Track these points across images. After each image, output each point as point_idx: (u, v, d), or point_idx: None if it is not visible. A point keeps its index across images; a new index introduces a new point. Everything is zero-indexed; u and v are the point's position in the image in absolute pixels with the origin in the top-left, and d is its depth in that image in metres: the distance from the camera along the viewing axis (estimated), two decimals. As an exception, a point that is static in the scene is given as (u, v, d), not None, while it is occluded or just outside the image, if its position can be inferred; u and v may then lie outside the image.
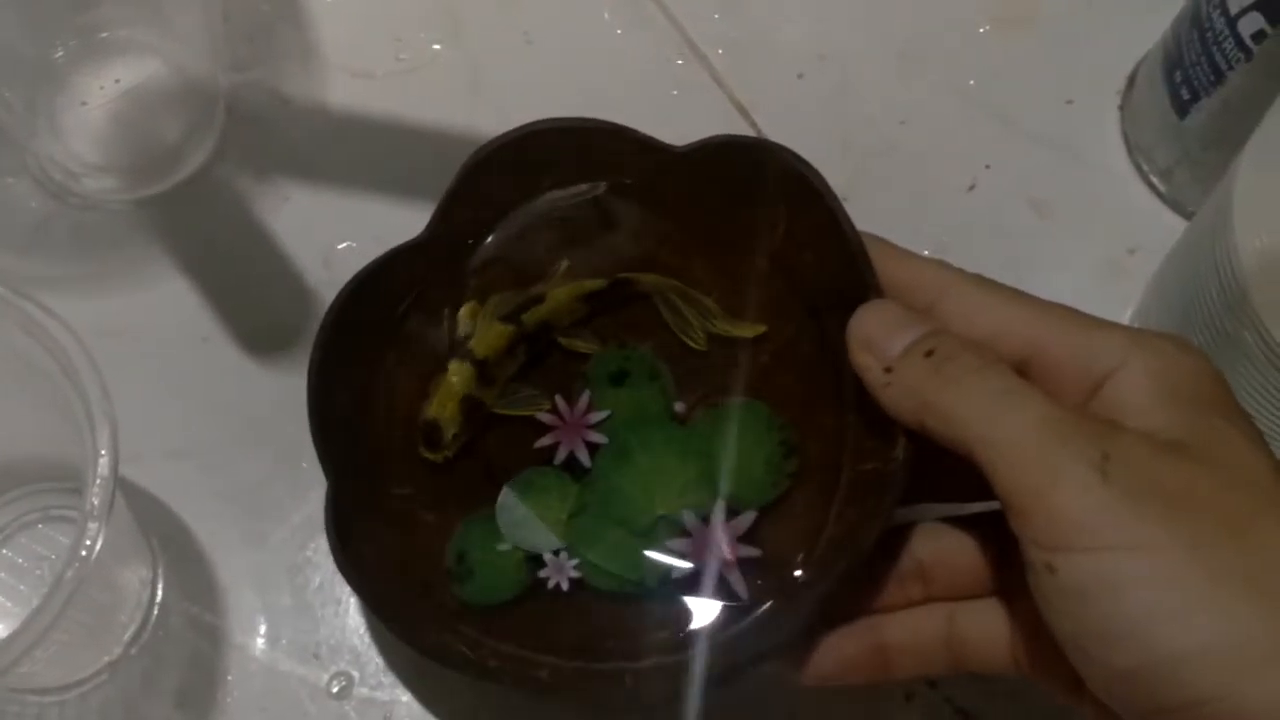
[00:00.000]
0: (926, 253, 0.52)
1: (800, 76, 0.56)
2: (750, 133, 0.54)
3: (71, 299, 0.41)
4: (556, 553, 0.43)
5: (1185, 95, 0.50)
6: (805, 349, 0.44)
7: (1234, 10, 0.46)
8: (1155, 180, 0.54)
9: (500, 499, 0.43)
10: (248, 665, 0.45)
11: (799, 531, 0.42)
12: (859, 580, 0.40)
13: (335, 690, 0.45)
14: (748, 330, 0.45)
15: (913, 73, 0.56)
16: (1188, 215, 0.53)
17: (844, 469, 0.42)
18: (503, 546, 0.43)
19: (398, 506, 0.43)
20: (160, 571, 0.46)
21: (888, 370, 0.37)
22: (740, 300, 0.45)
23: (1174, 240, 0.50)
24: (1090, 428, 0.34)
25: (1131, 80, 0.55)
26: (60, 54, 0.49)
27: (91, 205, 0.52)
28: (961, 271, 0.39)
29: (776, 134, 0.54)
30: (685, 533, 0.42)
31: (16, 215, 0.51)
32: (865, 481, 0.41)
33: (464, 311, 0.45)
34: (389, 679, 0.45)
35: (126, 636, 0.45)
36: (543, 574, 0.43)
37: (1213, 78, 0.48)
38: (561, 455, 0.44)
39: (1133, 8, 0.56)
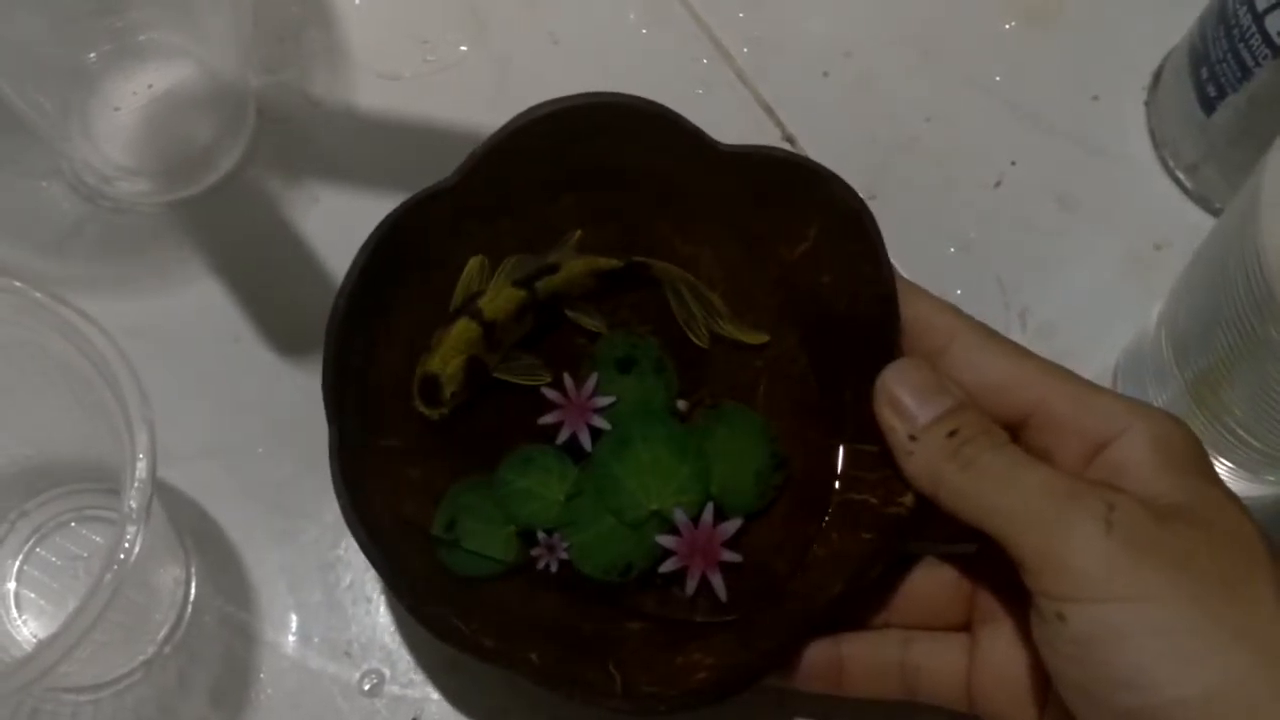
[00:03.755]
0: (952, 250, 0.53)
1: (825, 74, 0.56)
2: (775, 131, 0.54)
3: (104, 300, 0.41)
4: (550, 532, 0.43)
5: (1211, 91, 0.50)
6: (801, 365, 0.44)
7: (1261, 7, 0.46)
8: (1181, 176, 0.54)
9: (501, 471, 0.44)
10: (280, 663, 0.46)
11: (779, 543, 0.43)
12: (842, 605, 0.41)
13: (367, 688, 0.45)
14: (751, 336, 0.45)
15: (937, 69, 0.56)
16: (1214, 211, 0.53)
17: (832, 491, 0.43)
18: (494, 517, 0.43)
19: (392, 461, 0.43)
20: (193, 570, 0.46)
21: (912, 438, 0.39)
22: (743, 302, 0.45)
23: (1201, 236, 0.50)
24: (1094, 489, 0.36)
25: (1157, 76, 0.55)
26: (93, 58, 0.50)
27: (124, 208, 0.52)
28: (970, 320, 0.42)
29: (802, 131, 0.54)
30: (675, 530, 0.43)
31: (50, 218, 0.52)
32: (856, 510, 0.42)
33: (471, 265, 0.44)
34: (420, 677, 0.46)
35: (161, 635, 0.45)
36: (535, 553, 0.43)
37: (1239, 74, 0.48)
38: (563, 436, 0.44)
39: (1159, 3, 0.56)
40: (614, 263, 0.45)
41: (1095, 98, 0.56)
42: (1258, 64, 0.47)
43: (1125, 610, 0.34)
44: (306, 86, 0.54)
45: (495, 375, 0.44)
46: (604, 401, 0.44)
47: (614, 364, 0.45)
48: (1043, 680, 0.39)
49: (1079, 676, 0.35)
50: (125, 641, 0.44)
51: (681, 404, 0.45)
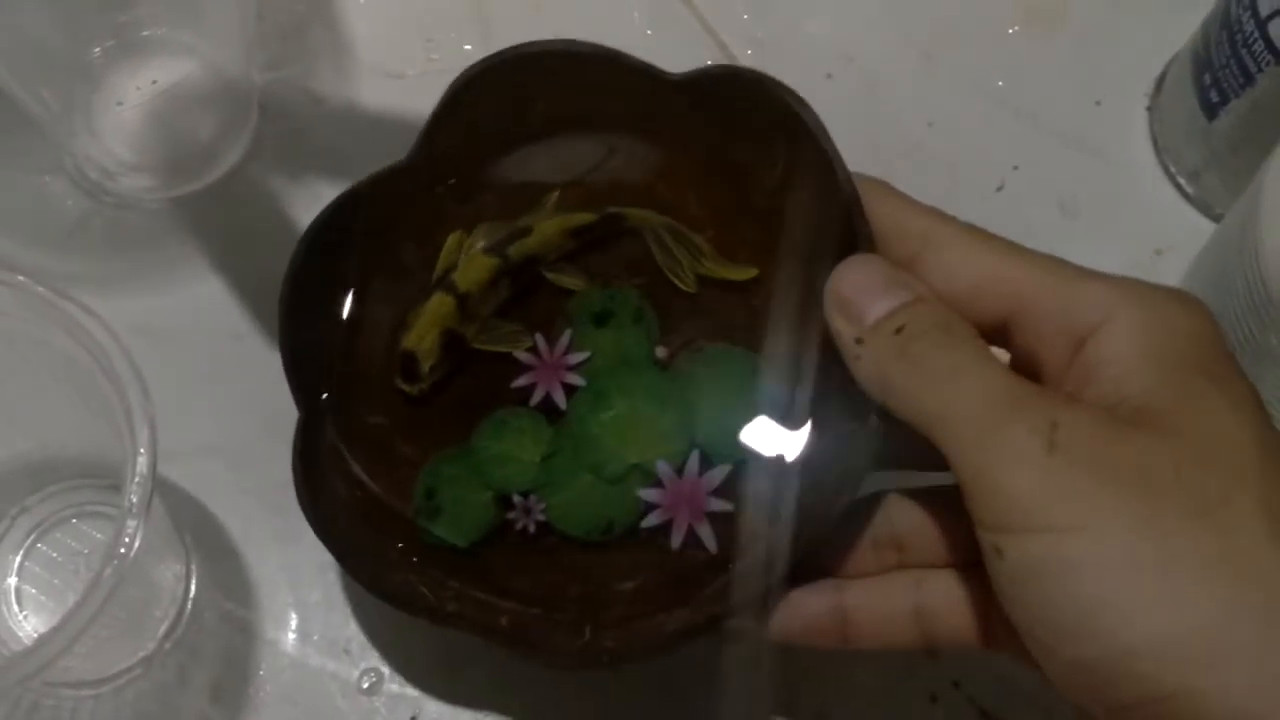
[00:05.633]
0: (955, 252, 0.53)
1: (829, 77, 0.56)
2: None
3: (106, 297, 0.41)
4: (526, 495, 0.42)
5: (1214, 97, 0.50)
6: (799, 295, 0.42)
7: (1265, 13, 0.46)
8: (1183, 182, 0.54)
9: (473, 437, 0.43)
10: (279, 660, 0.46)
11: (774, 487, 0.41)
12: (830, 543, 0.38)
13: (365, 686, 0.45)
14: (739, 273, 0.43)
15: (941, 73, 0.56)
16: (1215, 217, 0.53)
17: (826, 426, 0.40)
18: (472, 484, 0.42)
19: (373, 437, 0.43)
20: (193, 567, 0.46)
21: (859, 341, 0.35)
22: (734, 240, 0.44)
23: (1202, 242, 0.50)
24: (1041, 398, 0.32)
25: (1160, 82, 0.56)
26: (97, 53, 0.50)
27: (127, 204, 0.52)
28: (955, 221, 0.37)
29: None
30: (658, 482, 0.42)
31: (53, 214, 0.52)
32: (844, 441, 0.39)
33: (450, 241, 0.44)
34: (419, 675, 0.46)
35: (161, 631, 0.45)
36: (511, 516, 0.42)
37: (1242, 80, 0.48)
38: (538, 396, 0.43)
39: (1162, 9, 0.56)
40: (587, 217, 0.44)
41: (1098, 103, 0.56)
42: (1260, 70, 0.47)
43: (1066, 542, 0.29)
44: (310, 84, 0.54)
45: (474, 346, 0.43)
46: (578, 358, 0.43)
47: (590, 319, 0.44)
48: None
49: (1024, 619, 0.31)
50: (125, 637, 0.44)
51: (661, 351, 0.43)
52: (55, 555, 0.47)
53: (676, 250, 0.44)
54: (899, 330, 0.34)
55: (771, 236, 0.43)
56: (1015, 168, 0.54)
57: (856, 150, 0.54)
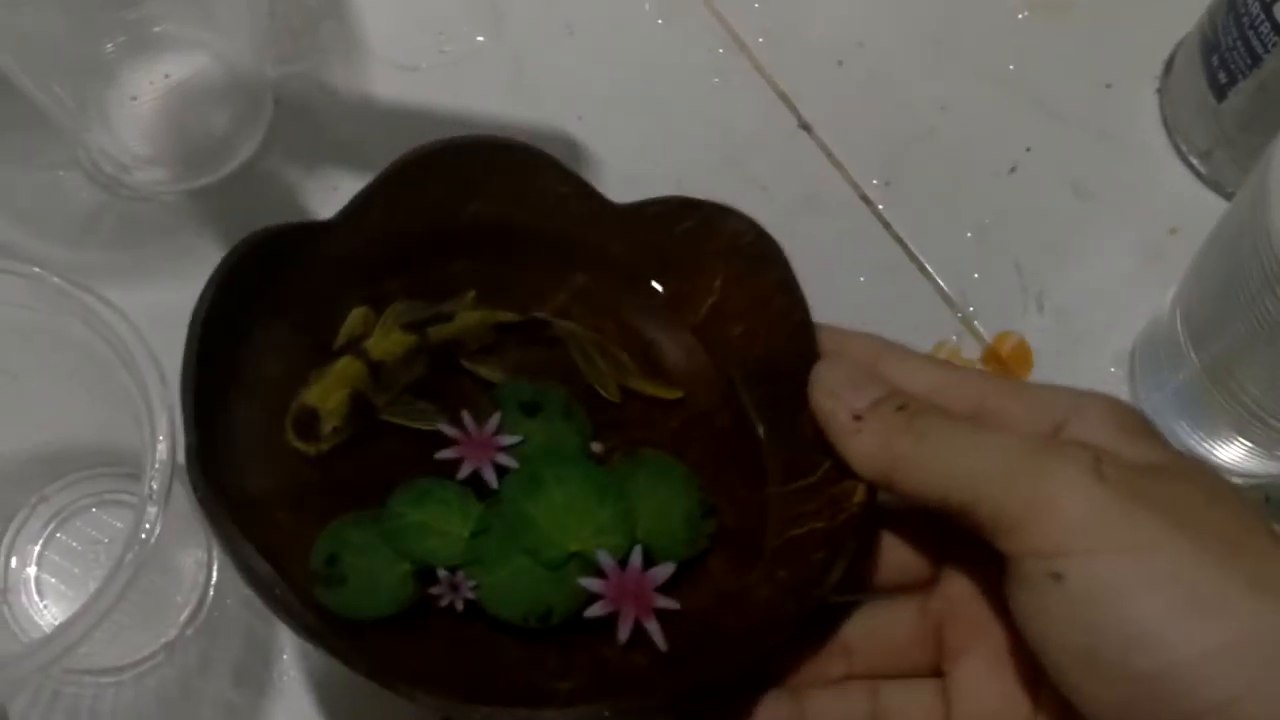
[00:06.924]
0: (969, 235, 0.53)
1: (840, 64, 0.56)
2: (791, 119, 0.54)
3: (121, 288, 0.41)
4: (453, 570, 0.38)
5: (1223, 78, 0.50)
6: (722, 421, 0.42)
7: (1271, -7, 0.46)
8: (1194, 161, 0.54)
9: (390, 503, 0.39)
10: (302, 645, 0.46)
11: (720, 594, 0.40)
12: (784, 649, 0.38)
13: (386, 671, 0.46)
14: (664, 392, 0.43)
15: (952, 59, 0.56)
16: (1227, 196, 0.53)
17: (769, 538, 0.40)
18: (385, 554, 0.38)
19: (256, 499, 0.38)
20: (215, 553, 0.46)
21: (856, 418, 0.37)
22: (655, 369, 0.43)
23: (1214, 221, 0.50)
24: (1074, 443, 0.34)
25: (1169, 63, 0.56)
26: (110, 49, 0.50)
27: (141, 197, 0.52)
28: (894, 343, 0.40)
29: (818, 121, 0.55)
30: (600, 573, 0.39)
31: (68, 207, 0.52)
32: (802, 543, 0.38)
33: (353, 315, 0.41)
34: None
35: (182, 617, 0.46)
36: (435, 590, 0.38)
37: (1249, 61, 0.48)
38: (465, 471, 0.40)
39: (1170, -8, 0.56)
40: (512, 316, 0.42)
41: (1108, 86, 0.56)
42: (1267, 50, 0.47)
43: (1128, 561, 0.32)
44: (323, 77, 0.55)
45: (384, 417, 0.41)
46: (510, 440, 0.40)
47: (518, 407, 0.41)
48: (1029, 707, 0.36)
49: (1084, 642, 0.32)
50: (146, 624, 0.45)
51: (597, 446, 0.41)
52: (75, 544, 0.47)
53: (601, 363, 0.43)
54: (902, 408, 0.36)
55: (698, 366, 0.43)
56: (1028, 150, 0.54)
57: (871, 135, 0.54)
